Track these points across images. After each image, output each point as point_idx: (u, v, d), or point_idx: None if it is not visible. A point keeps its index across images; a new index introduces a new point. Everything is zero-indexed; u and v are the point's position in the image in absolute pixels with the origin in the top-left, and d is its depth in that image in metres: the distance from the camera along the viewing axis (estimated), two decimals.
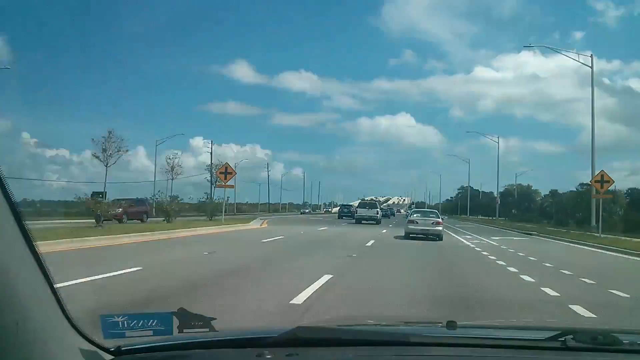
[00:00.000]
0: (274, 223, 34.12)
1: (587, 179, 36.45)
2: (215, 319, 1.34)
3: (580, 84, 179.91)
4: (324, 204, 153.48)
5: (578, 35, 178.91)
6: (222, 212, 31.30)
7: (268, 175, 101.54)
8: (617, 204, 44.73)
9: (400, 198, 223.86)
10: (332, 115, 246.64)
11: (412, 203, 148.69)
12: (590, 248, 20.09)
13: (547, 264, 12.85)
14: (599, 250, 18.89)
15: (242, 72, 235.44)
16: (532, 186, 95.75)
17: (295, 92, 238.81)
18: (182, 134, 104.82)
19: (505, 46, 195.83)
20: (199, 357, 1.31)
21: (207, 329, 1.29)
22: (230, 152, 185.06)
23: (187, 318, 1.29)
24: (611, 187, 29.79)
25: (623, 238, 24.07)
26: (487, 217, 78.00)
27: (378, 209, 39.34)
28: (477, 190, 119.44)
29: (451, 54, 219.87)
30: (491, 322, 2.80)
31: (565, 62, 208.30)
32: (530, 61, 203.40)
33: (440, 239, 19.89)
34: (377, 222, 36.84)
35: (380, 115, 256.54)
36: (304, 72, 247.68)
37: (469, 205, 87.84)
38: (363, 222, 36.52)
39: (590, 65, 33.74)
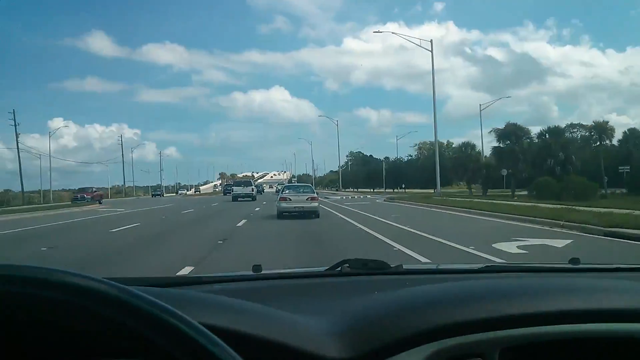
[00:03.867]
0: None
1: None
2: None
3: (444, 54, 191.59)
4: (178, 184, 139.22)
5: (439, 6, 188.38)
6: None
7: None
8: None
9: (279, 172, 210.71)
10: (204, 90, 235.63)
11: (293, 177, 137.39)
12: None
13: None
14: None
15: (100, 44, 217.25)
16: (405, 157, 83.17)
17: (161, 66, 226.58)
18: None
19: (371, 19, 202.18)
20: None
21: None
22: (95, 133, 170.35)
23: None
24: None
25: None
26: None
27: (253, 186, 42.34)
28: (370, 155, 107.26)
29: (319, 26, 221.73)
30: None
31: (429, 32, 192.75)
32: (397, 32, 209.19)
33: (317, 215, 18.11)
34: (253, 198, 39.56)
35: (254, 90, 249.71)
36: (170, 44, 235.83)
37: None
38: (239, 199, 38.96)
39: (430, 49, 35.04)
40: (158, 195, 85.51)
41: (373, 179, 76.56)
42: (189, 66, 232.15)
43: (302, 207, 18.31)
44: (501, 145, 41.00)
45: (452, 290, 1.02)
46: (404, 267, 1.57)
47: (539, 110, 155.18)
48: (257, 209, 26.25)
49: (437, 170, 36.16)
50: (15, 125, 61.75)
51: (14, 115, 61.98)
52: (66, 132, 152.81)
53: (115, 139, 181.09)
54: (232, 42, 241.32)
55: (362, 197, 47.24)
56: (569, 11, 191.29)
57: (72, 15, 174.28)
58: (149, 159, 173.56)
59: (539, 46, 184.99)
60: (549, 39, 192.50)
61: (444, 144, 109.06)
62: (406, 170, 65.19)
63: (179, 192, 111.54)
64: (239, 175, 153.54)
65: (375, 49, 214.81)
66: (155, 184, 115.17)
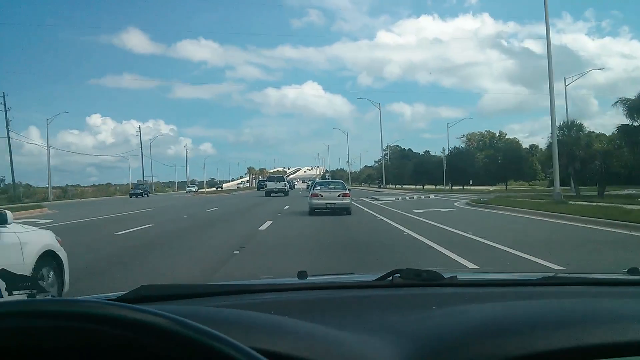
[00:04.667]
0: None
1: None
2: None
3: (480, 46, 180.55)
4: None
5: None
6: None
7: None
8: None
9: (311, 167, 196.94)
10: (238, 86, 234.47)
11: (327, 172, 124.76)
12: None
13: None
14: None
15: (135, 41, 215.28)
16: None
17: (196, 62, 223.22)
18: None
19: (404, 12, 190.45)
20: None
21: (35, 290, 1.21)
22: (132, 129, 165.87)
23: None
24: None
25: None
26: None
27: (285, 182, 43.88)
28: (409, 149, 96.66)
29: (353, 20, 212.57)
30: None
31: (464, 24, 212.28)
32: (430, 26, 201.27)
33: (349, 212, 17.97)
34: (285, 193, 40.62)
35: (287, 85, 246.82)
36: (204, 41, 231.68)
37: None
38: (272, 194, 39.52)
39: None
40: (139, 194, 58.14)
41: (421, 174, 64.94)
42: (223, 62, 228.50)
43: (334, 203, 18.16)
44: (635, 123, 27.42)
45: (523, 313, 0.95)
46: (459, 277, 1.45)
47: (577, 104, 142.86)
48: (262, 226, 14.32)
49: (555, 163, 23.08)
50: (5, 110, 52.54)
51: (4, 99, 52.69)
52: (104, 128, 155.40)
53: (152, 134, 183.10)
54: (265, 37, 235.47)
55: (422, 197, 34.50)
56: (608, 2, 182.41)
57: (108, 12, 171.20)
58: (185, 154, 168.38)
59: (577, 38, 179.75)
60: (587, 31, 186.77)
61: (495, 134, 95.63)
62: (470, 163, 52.14)
63: (188, 189, 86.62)
64: (269, 171, 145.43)
65: (409, 42, 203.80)
66: (182, 180, 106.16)
